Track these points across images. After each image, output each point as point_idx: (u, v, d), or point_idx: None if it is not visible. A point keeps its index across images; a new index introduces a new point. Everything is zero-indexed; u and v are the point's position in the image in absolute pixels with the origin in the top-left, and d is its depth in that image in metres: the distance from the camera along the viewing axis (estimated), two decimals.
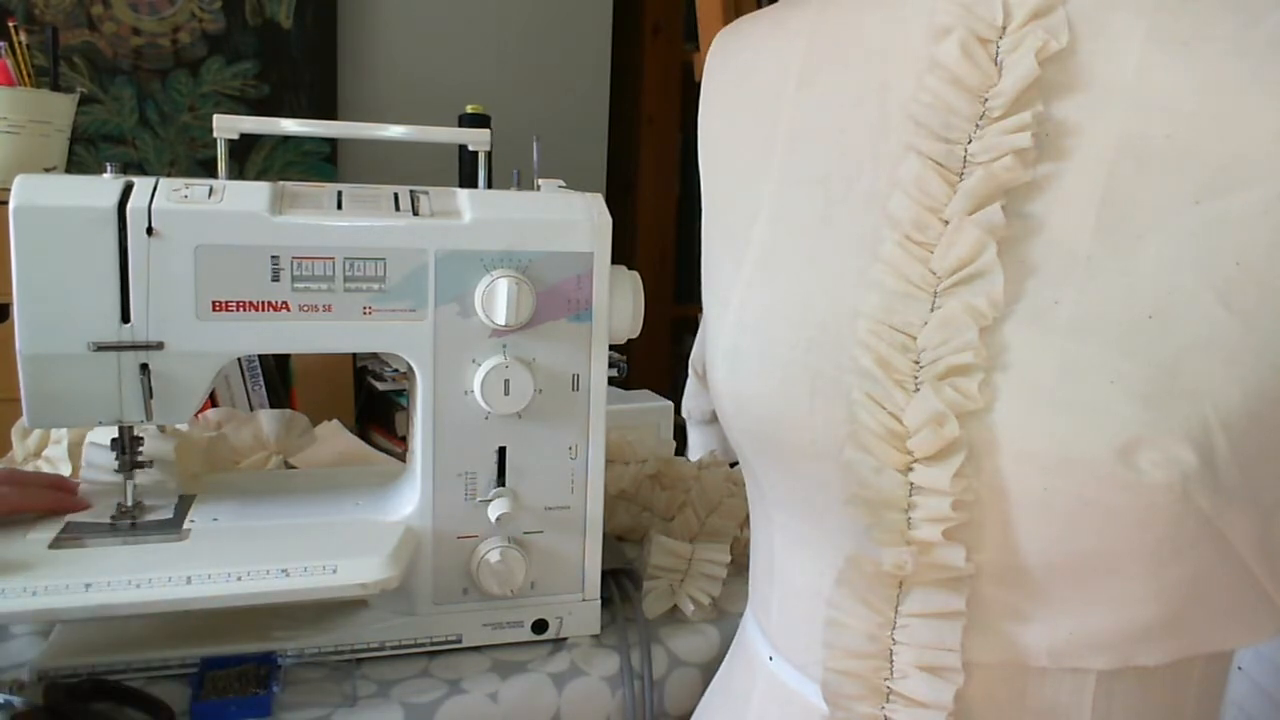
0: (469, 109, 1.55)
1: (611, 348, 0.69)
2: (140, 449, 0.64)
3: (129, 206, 0.57)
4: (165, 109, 1.75)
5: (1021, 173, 0.41)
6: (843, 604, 0.45)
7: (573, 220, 0.64)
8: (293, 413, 0.99)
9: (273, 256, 0.60)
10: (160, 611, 0.59)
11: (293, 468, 0.94)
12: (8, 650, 0.63)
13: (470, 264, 0.62)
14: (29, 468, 0.85)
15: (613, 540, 0.82)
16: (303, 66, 1.84)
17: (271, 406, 1.27)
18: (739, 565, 0.76)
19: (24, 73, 1.25)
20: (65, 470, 0.84)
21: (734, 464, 0.89)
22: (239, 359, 1.25)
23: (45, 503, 0.65)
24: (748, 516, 0.70)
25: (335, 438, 1.04)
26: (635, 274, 0.68)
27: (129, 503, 0.65)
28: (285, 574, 0.59)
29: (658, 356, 2.33)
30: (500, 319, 0.62)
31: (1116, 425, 0.38)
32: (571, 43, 2.17)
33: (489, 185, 0.69)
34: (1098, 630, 0.42)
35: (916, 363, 0.42)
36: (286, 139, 1.84)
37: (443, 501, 0.65)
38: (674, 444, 0.97)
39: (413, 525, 0.65)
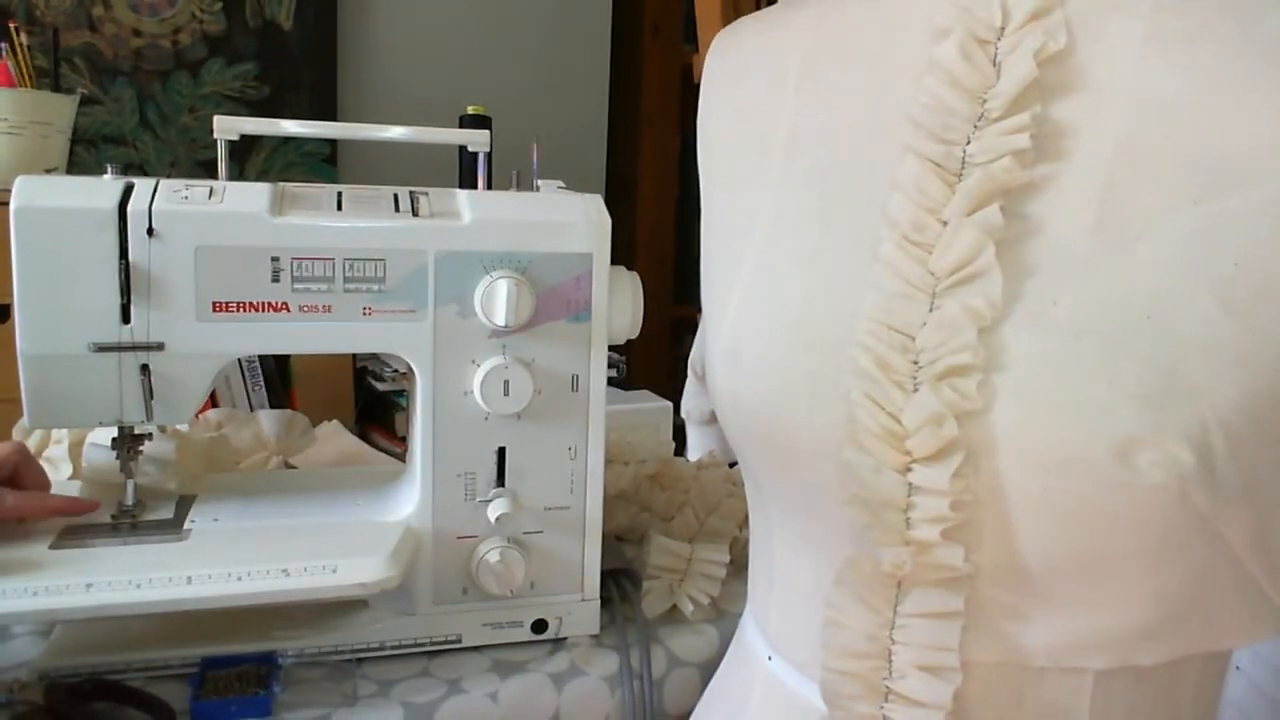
0: (469, 110, 1.56)
1: (611, 348, 0.69)
2: (141, 449, 0.64)
3: (129, 208, 0.57)
4: (166, 110, 1.75)
5: (1020, 174, 0.41)
6: (841, 604, 0.45)
7: (572, 221, 0.64)
8: (293, 413, 0.99)
9: (273, 257, 0.60)
10: (160, 611, 0.59)
11: (293, 468, 0.94)
12: (8, 650, 0.63)
13: (470, 265, 0.62)
14: None
15: (612, 540, 0.83)
16: (303, 67, 1.84)
17: (271, 407, 1.27)
18: (738, 565, 0.76)
19: (25, 74, 1.25)
20: (65, 470, 0.84)
21: (733, 464, 0.89)
22: (239, 359, 1.25)
23: (53, 507, 0.65)
24: (746, 517, 0.71)
25: (335, 438, 1.04)
26: (635, 274, 0.68)
27: (129, 502, 0.65)
28: (285, 574, 0.59)
29: (657, 357, 2.33)
30: (500, 320, 0.62)
31: (1114, 425, 0.38)
32: (571, 44, 2.18)
33: (489, 186, 0.69)
34: (1096, 630, 0.42)
35: (915, 363, 0.42)
36: (287, 140, 1.84)
37: (442, 502, 0.65)
38: (673, 444, 0.97)
39: (412, 525, 0.65)
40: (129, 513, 0.65)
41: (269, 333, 0.61)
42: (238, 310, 0.60)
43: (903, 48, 0.46)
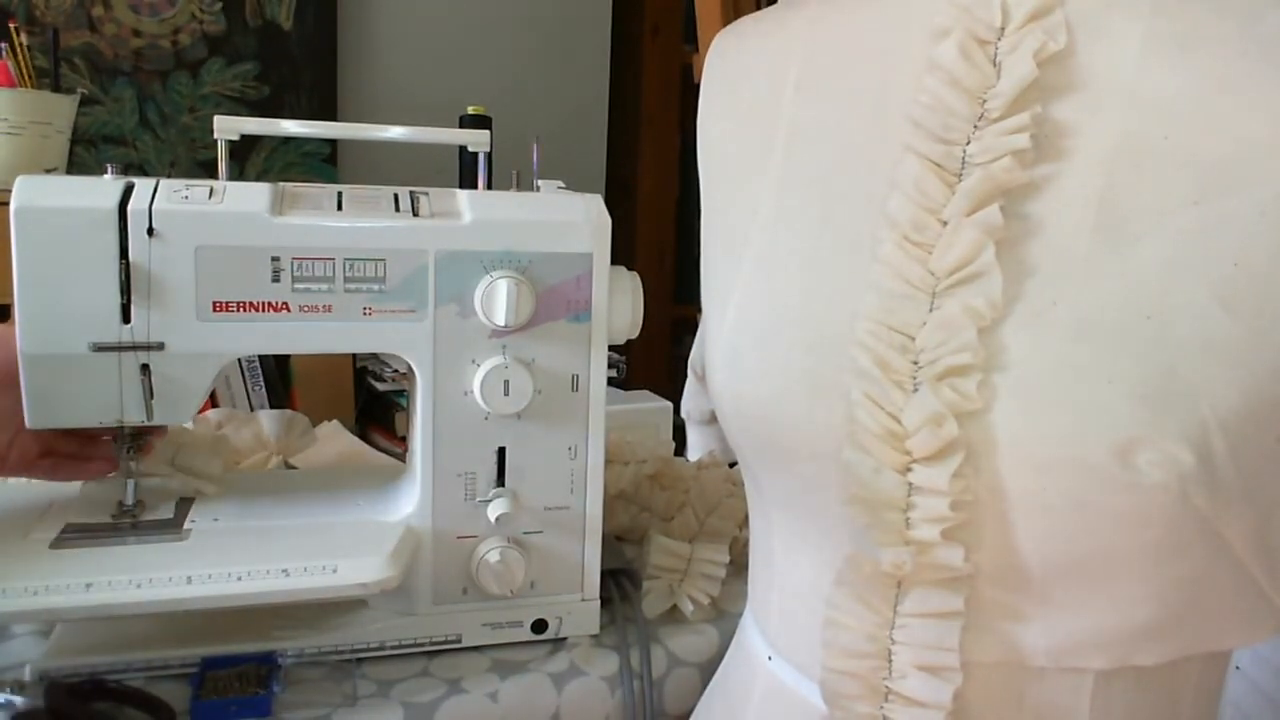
0: (470, 110, 1.56)
1: (611, 348, 0.69)
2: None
3: (130, 207, 0.57)
4: (166, 110, 1.75)
5: (1020, 174, 0.41)
6: (841, 604, 0.45)
7: (572, 221, 0.64)
8: (293, 413, 0.99)
9: (273, 257, 0.60)
10: (161, 611, 0.59)
11: (293, 468, 0.94)
12: (8, 650, 0.63)
13: (470, 265, 0.62)
14: None
15: (612, 540, 0.83)
16: (303, 67, 1.84)
17: (271, 407, 1.27)
18: (738, 565, 0.76)
19: (25, 74, 1.25)
20: None
21: (733, 464, 0.89)
22: (239, 359, 1.25)
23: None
24: (747, 516, 0.71)
25: (335, 438, 1.04)
26: (635, 274, 0.68)
27: (129, 502, 0.65)
28: (285, 574, 0.59)
29: (657, 357, 2.34)
30: (500, 319, 0.62)
31: (1114, 425, 0.38)
32: (571, 44, 2.18)
33: (489, 186, 0.69)
34: (1096, 630, 0.42)
35: (915, 363, 0.42)
36: (287, 140, 1.84)
37: (442, 501, 0.65)
38: (673, 444, 0.97)
39: (412, 525, 0.65)
40: (129, 512, 0.65)
41: (269, 333, 0.61)
42: (238, 310, 0.60)
43: (903, 48, 0.46)
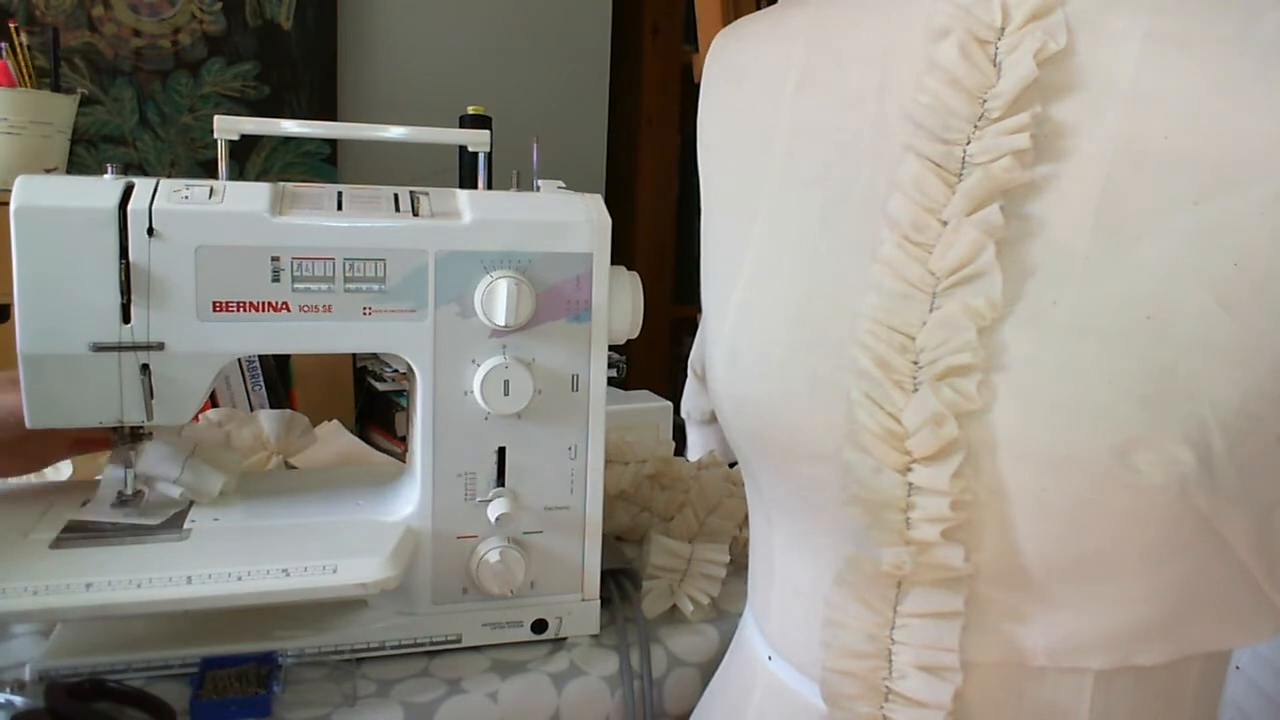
0: (470, 110, 1.56)
1: (611, 348, 0.69)
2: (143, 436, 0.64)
3: (130, 207, 0.57)
4: (166, 110, 1.75)
5: (1020, 173, 0.41)
6: (841, 604, 0.45)
7: (572, 221, 0.64)
8: (293, 413, 0.99)
9: (273, 257, 0.60)
10: (161, 611, 0.59)
11: (293, 468, 0.94)
12: (8, 650, 0.63)
13: (470, 264, 0.62)
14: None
15: (612, 540, 0.83)
16: (303, 67, 1.84)
17: (271, 406, 1.27)
18: (738, 565, 0.76)
19: (25, 74, 1.25)
20: (66, 472, 0.84)
21: (733, 464, 0.89)
22: (239, 359, 1.25)
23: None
24: (747, 516, 0.71)
25: (335, 438, 1.04)
26: (635, 274, 0.68)
27: (129, 491, 0.65)
28: (285, 574, 0.59)
29: (657, 357, 2.34)
30: (500, 319, 0.62)
31: (1114, 425, 0.38)
32: (571, 44, 2.18)
33: (489, 186, 0.69)
34: (1096, 630, 0.42)
35: (915, 363, 0.42)
36: (287, 140, 1.84)
37: (442, 501, 0.65)
38: (673, 444, 0.97)
39: (412, 525, 0.65)
40: (129, 500, 0.65)
41: (269, 333, 0.61)
42: (238, 310, 0.60)
43: (903, 48, 0.46)
